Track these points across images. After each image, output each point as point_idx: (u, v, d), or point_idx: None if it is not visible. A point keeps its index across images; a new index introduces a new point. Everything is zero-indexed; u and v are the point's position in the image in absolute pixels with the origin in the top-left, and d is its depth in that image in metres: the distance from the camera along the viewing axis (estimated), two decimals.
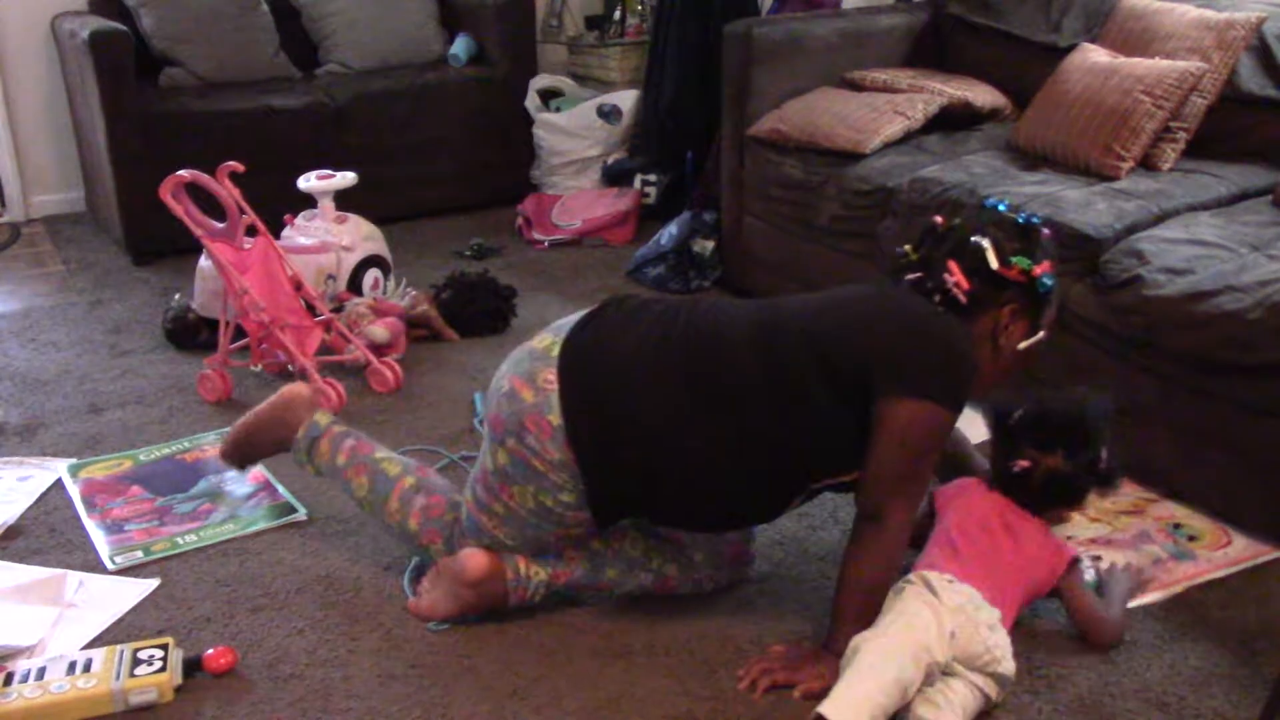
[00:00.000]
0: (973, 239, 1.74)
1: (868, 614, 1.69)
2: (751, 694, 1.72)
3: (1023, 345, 1.79)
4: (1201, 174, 2.65)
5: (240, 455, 2.14)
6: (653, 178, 4.17)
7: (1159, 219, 2.43)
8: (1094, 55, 2.84)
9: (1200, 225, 2.36)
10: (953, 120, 3.11)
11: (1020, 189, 2.59)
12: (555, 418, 1.74)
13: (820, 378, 1.70)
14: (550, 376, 1.76)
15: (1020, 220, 1.77)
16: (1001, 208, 1.81)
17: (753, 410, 1.72)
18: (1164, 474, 2.26)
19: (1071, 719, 1.68)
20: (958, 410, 1.70)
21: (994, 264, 1.72)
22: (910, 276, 1.77)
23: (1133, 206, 2.46)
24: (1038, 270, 1.75)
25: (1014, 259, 1.73)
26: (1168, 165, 2.70)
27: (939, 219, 1.82)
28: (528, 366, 1.79)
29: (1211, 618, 1.90)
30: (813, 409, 1.71)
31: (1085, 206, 2.46)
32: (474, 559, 1.85)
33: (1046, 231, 1.83)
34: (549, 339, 1.82)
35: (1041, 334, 1.81)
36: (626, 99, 4.38)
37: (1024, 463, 1.81)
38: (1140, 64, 2.73)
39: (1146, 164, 2.70)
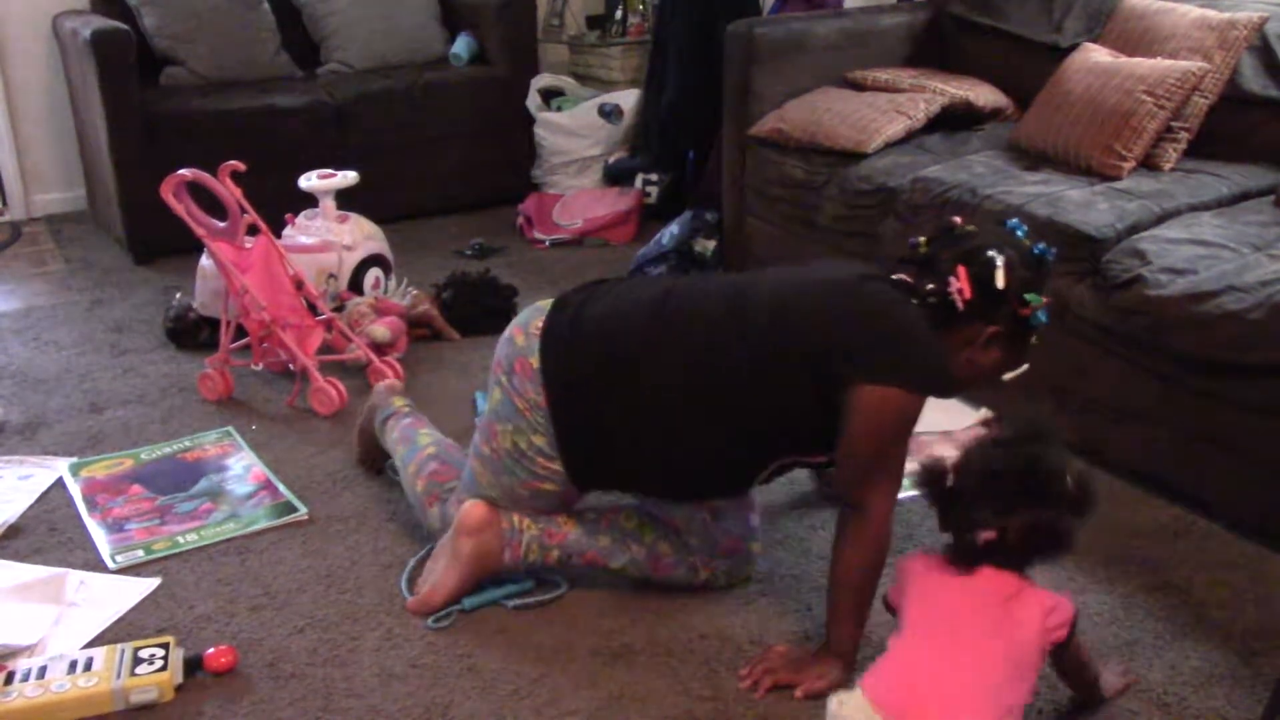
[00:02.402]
0: (989, 252, 1.72)
1: (863, 609, 1.69)
2: (753, 694, 1.72)
3: (1007, 376, 1.78)
4: (1203, 174, 2.65)
5: (367, 458, 2.40)
6: (654, 177, 4.17)
7: (1161, 219, 2.43)
8: (1095, 55, 2.84)
9: (1202, 225, 2.36)
10: (954, 120, 3.11)
11: (1022, 189, 2.59)
12: (536, 360, 1.84)
13: (788, 362, 1.72)
14: (540, 324, 1.88)
15: (1036, 251, 1.76)
16: (1020, 233, 1.80)
17: (718, 384, 1.76)
18: (1165, 474, 2.26)
19: (1073, 718, 1.68)
20: (924, 395, 1.71)
21: (1000, 283, 1.70)
22: (905, 272, 1.77)
23: (1134, 206, 2.46)
24: (1036, 305, 1.73)
25: (1021, 287, 1.72)
26: (1169, 165, 2.70)
27: (958, 219, 1.81)
28: (527, 316, 1.94)
29: (1212, 618, 1.90)
30: (777, 390, 1.74)
31: (1087, 206, 2.46)
32: (473, 507, 1.92)
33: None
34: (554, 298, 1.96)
35: (1025, 366, 1.80)
36: (628, 98, 4.38)
37: (988, 534, 1.55)
38: (1142, 64, 2.73)
39: (1148, 164, 2.70)
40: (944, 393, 1.79)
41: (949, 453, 1.64)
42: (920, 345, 1.70)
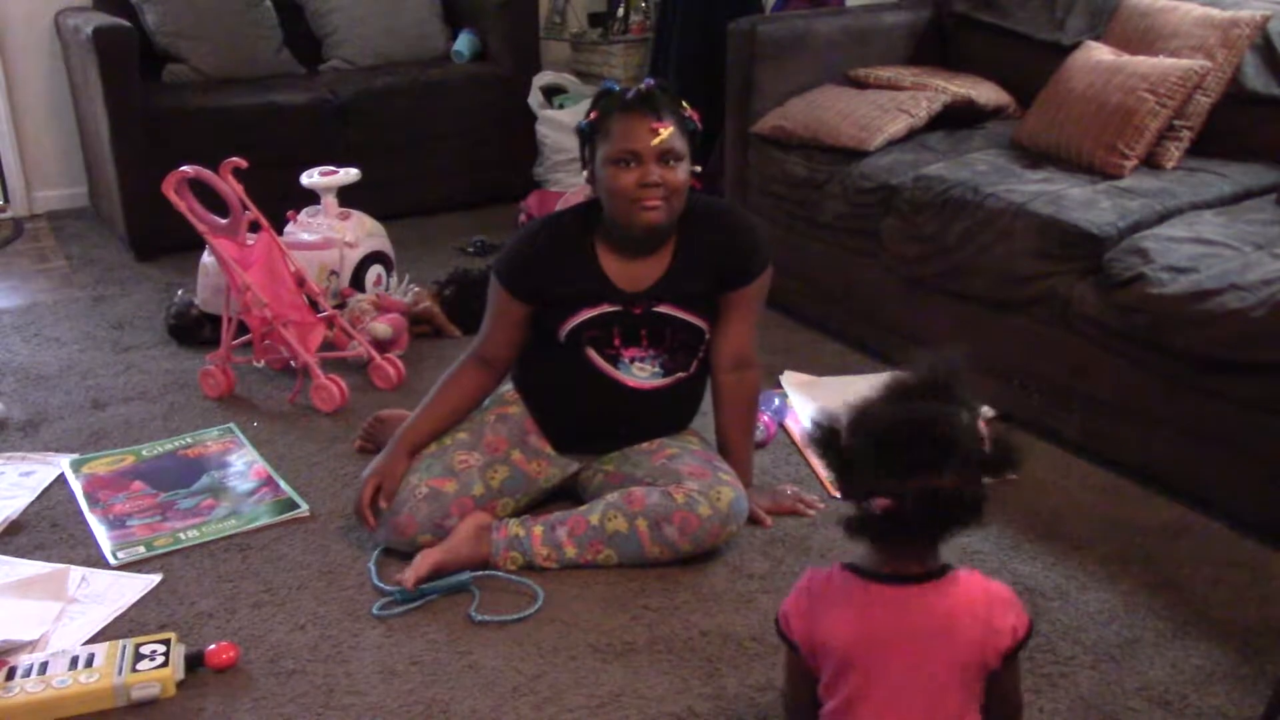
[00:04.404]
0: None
1: None
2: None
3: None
4: (1205, 172, 2.65)
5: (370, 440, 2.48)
6: None
7: (1162, 217, 2.43)
8: (1098, 53, 2.84)
9: (1204, 224, 2.36)
10: (956, 118, 3.11)
11: (1024, 187, 2.58)
12: None
13: None
14: None
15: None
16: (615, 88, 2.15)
17: None
18: (1167, 473, 2.26)
19: (1073, 717, 1.68)
20: (497, 278, 2.15)
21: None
22: None
23: (1136, 205, 2.46)
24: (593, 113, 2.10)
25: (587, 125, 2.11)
26: (1171, 164, 2.69)
27: None
28: None
29: (1214, 615, 1.90)
30: None
31: (1089, 205, 2.45)
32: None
33: None
34: None
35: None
36: None
37: (882, 501, 1.31)
38: (1144, 62, 2.72)
39: (1150, 162, 2.69)
40: (499, 276, 2.15)
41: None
42: (512, 243, 2.16)
